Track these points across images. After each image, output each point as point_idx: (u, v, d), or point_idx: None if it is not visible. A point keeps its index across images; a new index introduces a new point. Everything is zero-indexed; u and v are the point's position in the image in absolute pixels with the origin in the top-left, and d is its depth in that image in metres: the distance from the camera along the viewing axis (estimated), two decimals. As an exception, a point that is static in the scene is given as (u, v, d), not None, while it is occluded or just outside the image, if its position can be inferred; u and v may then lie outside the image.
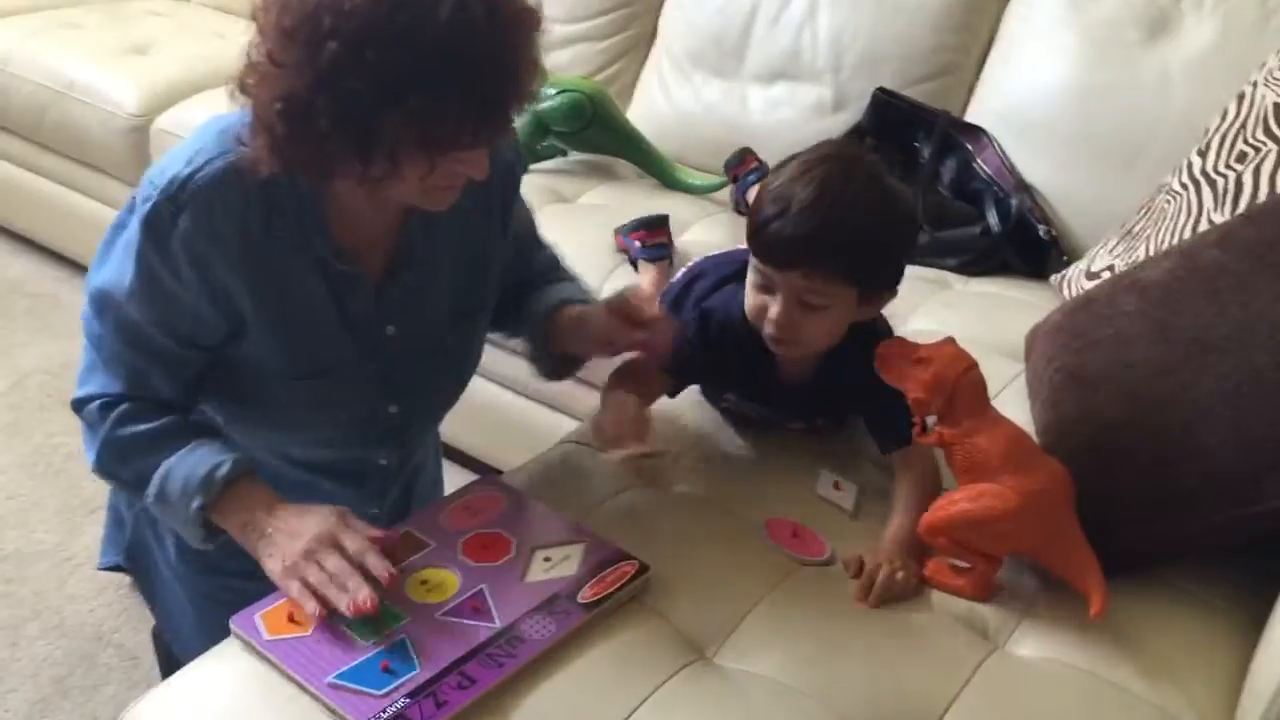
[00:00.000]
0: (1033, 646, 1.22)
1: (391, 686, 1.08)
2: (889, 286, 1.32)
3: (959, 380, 1.25)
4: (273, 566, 1.15)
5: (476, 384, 1.46)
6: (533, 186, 2.22)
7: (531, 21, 1.07)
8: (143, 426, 1.21)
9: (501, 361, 2.10)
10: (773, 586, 1.25)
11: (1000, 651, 1.22)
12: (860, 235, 1.23)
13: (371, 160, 1.06)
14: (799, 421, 1.47)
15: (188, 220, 1.13)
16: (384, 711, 1.06)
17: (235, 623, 1.16)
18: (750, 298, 1.32)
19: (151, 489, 1.21)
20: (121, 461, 1.22)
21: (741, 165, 2.23)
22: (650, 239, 2.02)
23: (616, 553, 1.25)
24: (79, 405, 1.25)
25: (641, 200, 2.16)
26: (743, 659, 1.18)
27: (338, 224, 1.20)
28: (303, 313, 1.22)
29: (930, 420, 1.29)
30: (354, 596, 1.10)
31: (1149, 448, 1.30)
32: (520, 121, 2.27)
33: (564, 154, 2.37)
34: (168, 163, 1.15)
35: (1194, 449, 1.27)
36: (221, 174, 1.13)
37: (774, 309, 1.28)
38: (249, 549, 1.18)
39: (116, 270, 1.18)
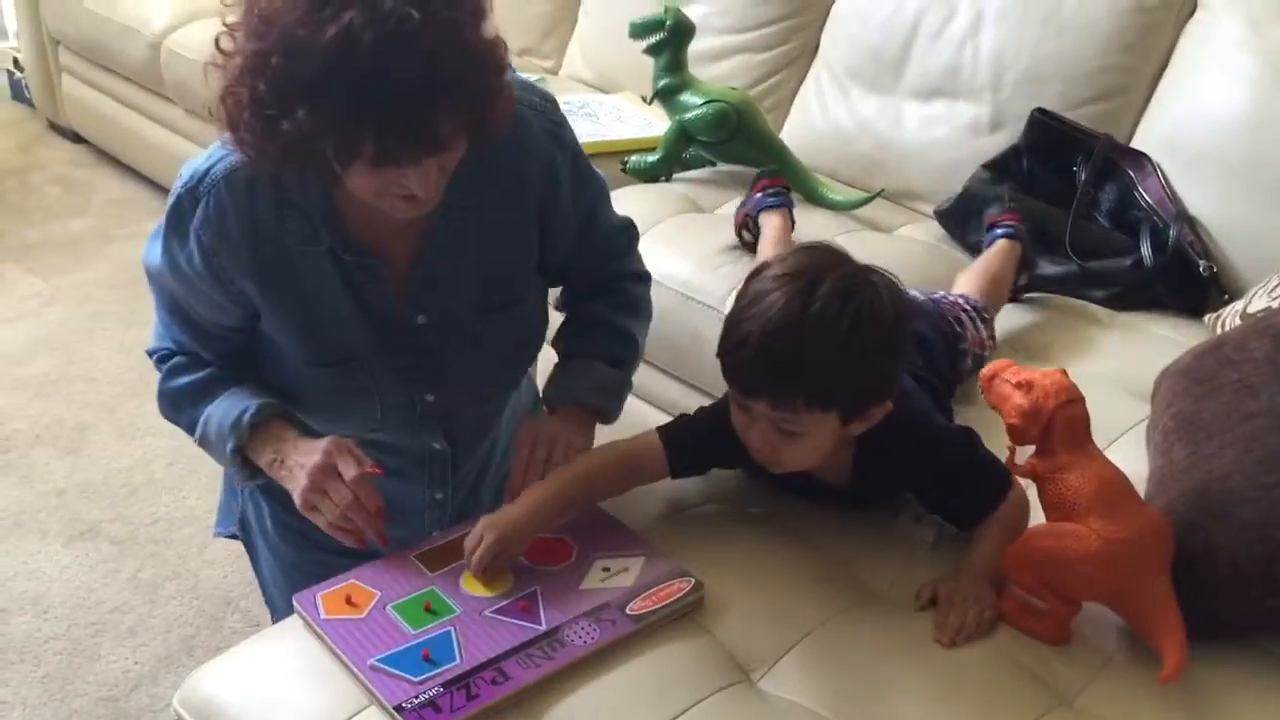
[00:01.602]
0: (1103, 706, 1.15)
1: (428, 675, 1.11)
2: (877, 402, 1.20)
3: (1058, 412, 1.20)
4: (296, 499, 1.25)
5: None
6: (671, 194, 2.24)
7: (453, 53, 1.06)
8: (187, 379, 1.32)
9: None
10: (830, 616, 1.22)
11: (1066, 707, 1.15)
12: (823, 366, 1.13)
13: (287, 159, 1.11)
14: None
15: (201, 213, 1.21)
16: (416, 697, 1.09)
17: (298, 600, 1.21)
18: (734, 415, 1.23)
19: (197, 433, 1.32)
20: (176, 410, 1.35)
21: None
22: (772, 185, 2.00)
23: (675, 569, 1.24)
24: (149, 355, 1.38)
25: (781, 214, 2.13)
26: (787, 686, 1.15)
27: (353, 217, 1.24)
28: (318, 303, 1.27)
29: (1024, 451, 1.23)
30: (362, 535, 1.23)
31: (1255, 505, 1.20)
32: (665, 129, 2.29)
33: (712, 164, 2.37)
34: (192, 161, 1.23)
35: (1303, 511, 1.17)
36: (234, 168, 1.19)
37: (753, 434, 1.21)
38: (280, 484, 1.27)
39: (152, 249, 1.28)
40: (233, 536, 1.61)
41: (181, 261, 1.25)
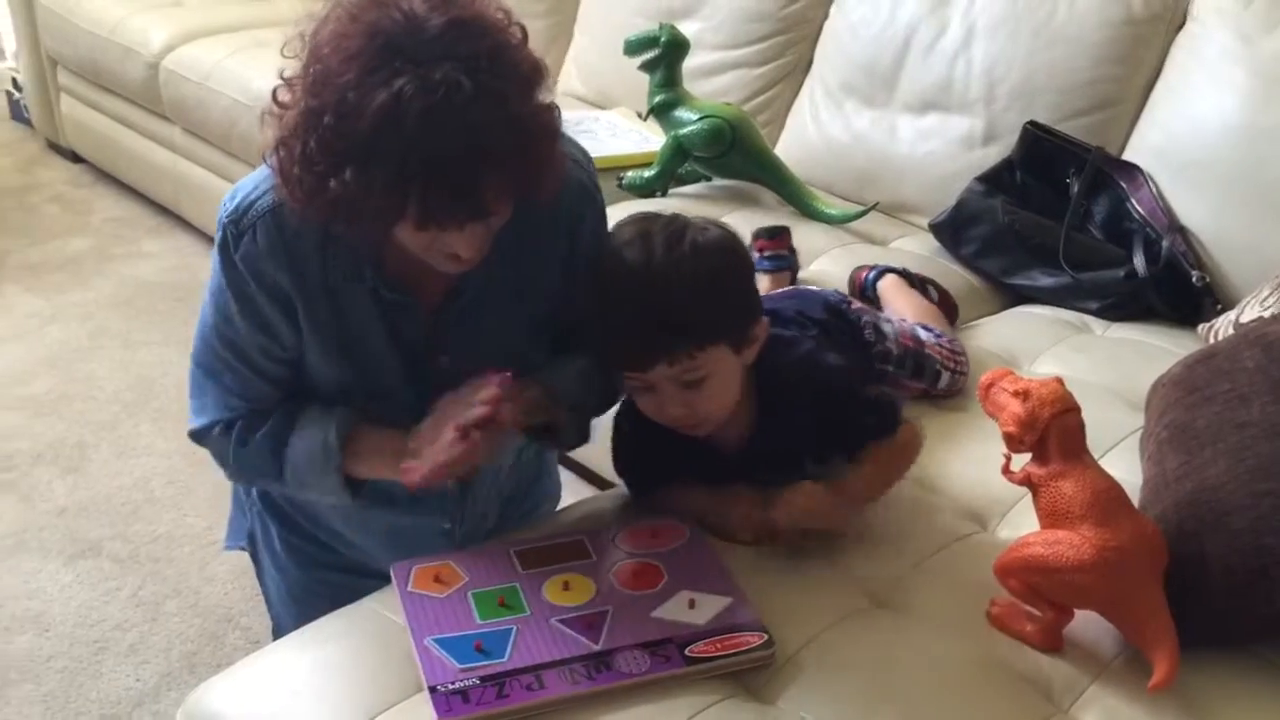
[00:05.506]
0: (1099, 714, 1.16)
1: (473, 665, 1.14)
2: (753, 319, 1.28)
3: (1053, 420, 1.21)
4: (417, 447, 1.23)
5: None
6: (667, 210, 2.24)
7: (499, 125, 1.06)
8: (259, 434, 1.30)
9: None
10: (830, 624, 1.23)
11: (1062, 715, 1.16)
12: (694, 300, 1.21)
13: (334, 215, 1.11)
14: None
15: (249, 243, 1.21)
16: (452, 682, 1.12)
17: (395, 568, 1.26)
18: (640, 403, 1.29)
19: (289, 479, 1.32)
20: (256, 470, 1.33)
21: None
22: (770, 248, 2.00)
23: (754, 621, 1.21)
24: (199, 435, 1.35)
25: (776, 228, 2.14)
26: (786, 695, 1.16)
27: (392, 253, 1.23)
28: (356, 337, 1.27)
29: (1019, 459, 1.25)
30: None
31: (1247, 513, 1.21)
32: (661, 145, 2.31)
33: (708, 179, 2.38)
34: (241, 185, 1.23)
35: (1294, 519, 1.18)
36: (281, 201, 1.18)
37: (667, 406, 1.26)
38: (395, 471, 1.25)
39: (211, 301, 1.28)
40: (243, 549, 1.62)
41: (242, 287, 1.23)
